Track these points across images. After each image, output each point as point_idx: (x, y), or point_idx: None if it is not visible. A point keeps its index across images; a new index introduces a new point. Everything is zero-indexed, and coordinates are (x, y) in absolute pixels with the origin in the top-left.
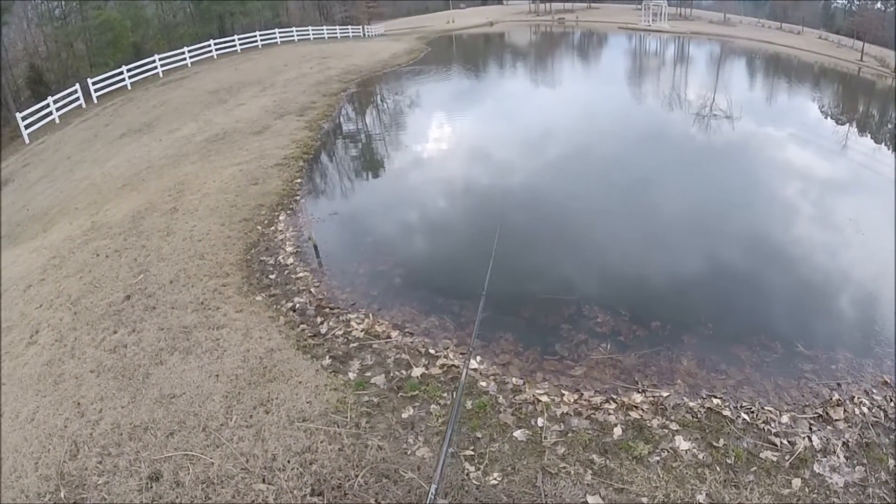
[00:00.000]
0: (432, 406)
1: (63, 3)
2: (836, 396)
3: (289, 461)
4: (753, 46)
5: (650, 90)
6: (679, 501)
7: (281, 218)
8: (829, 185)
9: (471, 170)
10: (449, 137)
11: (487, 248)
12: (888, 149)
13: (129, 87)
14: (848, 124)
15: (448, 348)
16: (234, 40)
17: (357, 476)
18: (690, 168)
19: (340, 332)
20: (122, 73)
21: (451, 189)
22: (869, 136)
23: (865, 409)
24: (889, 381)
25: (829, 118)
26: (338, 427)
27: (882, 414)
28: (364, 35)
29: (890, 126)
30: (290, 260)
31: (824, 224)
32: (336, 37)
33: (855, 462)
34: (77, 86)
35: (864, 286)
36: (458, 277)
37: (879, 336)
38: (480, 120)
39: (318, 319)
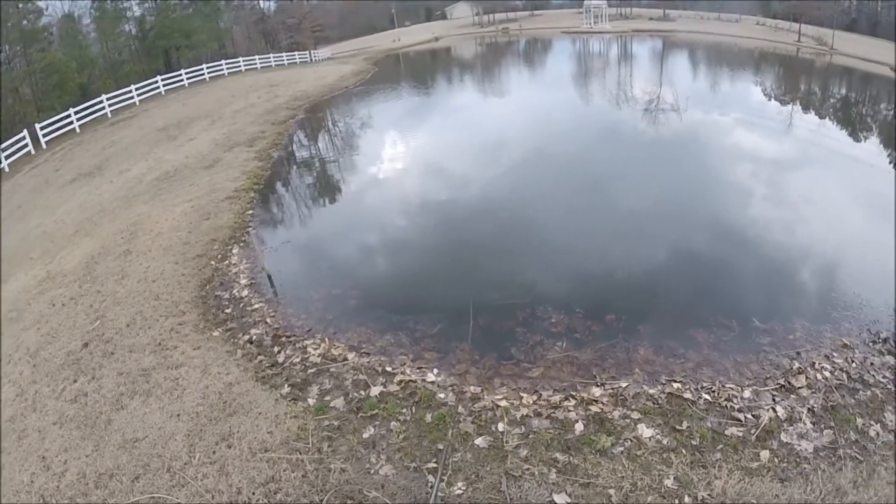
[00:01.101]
0: (392, 423)
1: (7, 47)
2: (796, 365)
3: (254, 493)
4: (694, 39)
5: (598, 90)
6: (647, 488)
7: (234, 251)
8: (778, 164)
9: (423, 186)
10: (401, 156)
11: (440, 263)
12: (832, 123)
13: (78, 130)
14: (791, 104)
15: (405, 364)
16: (181, 75)
17: (322, 501)
18: (642, 162)
19: (298, 360)
20: (69, 116)
21: (404, 208)
22: (813, 112)
23: (827, 374)
24: (849, 343)
25: (772, 100)
26: (300, 454)
27: (845, 376)
28: (311, 60)
29: (832, 101)
30: (245, 292)
31: (776, 202)
32: (283, 64)
33: (822, 426)
34: (25, 132)
35: (817, 257)
36: (412, 294)
37: (836, 301)
38: (432, 135)
39: (276, 349)
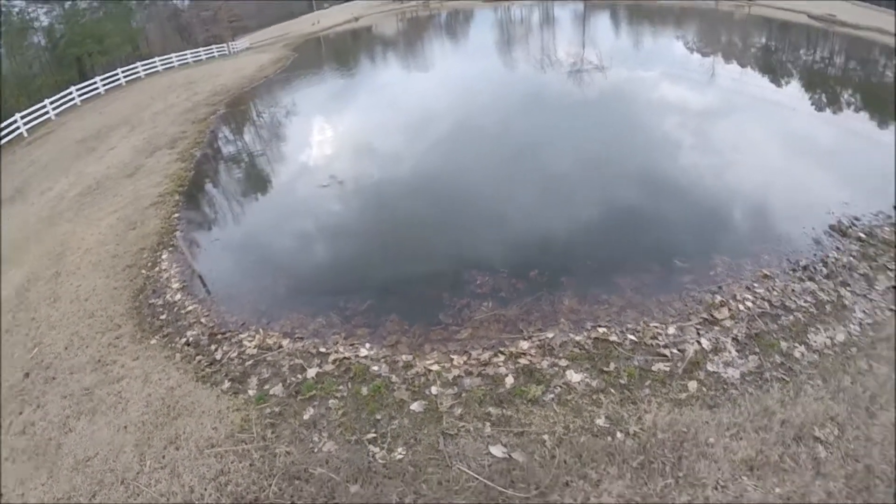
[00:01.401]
0: (331, 401)
1: None
2: (718, 299)
3: (205, 489)
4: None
5: (522, 57)
6: (579, 429)
7: (164, 257)
8: (703, 114)
9: (351, 168)
10: (328, 140)
11: (368, 242)
12: (754, 70)
13: None
14: (713, 55)
15: (338, 343)
16: (95, 82)
17: (270, 485)
18: (569, 123)
19: (235, 354)
20: None
21: (333, 192)
22: (734, 62)
23: (749, 304)
24: (769, 274)
25: (694, 52)
26: (245, 444)
27: (766, 304)
28: (229, 52)
29: (753, 50)
30: (178, 296)
31: (702, 149)
32: (201, 59)
33: (748, 353)
34: None
35: (738, 197)
36: (341, 275)
37: (756, 236)
38: (359, 116)
39: (213, 347)
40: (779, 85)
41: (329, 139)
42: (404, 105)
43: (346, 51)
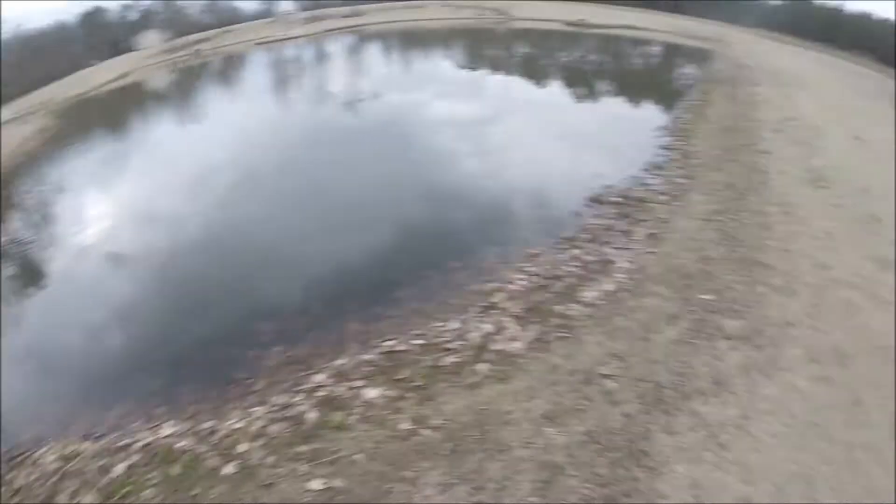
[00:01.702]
0: (145, 492)
1: None
2: (493, 286)
3: None
4: (385, 29)
5: (299, 95)
6: (388, 439)
7: None
8: (477, 123)
9: (128, 239)
10: (106, 214)
11: (149, 317)
12: (519, 77)
13: None
14: (480, 69)
15: (139, 430)
16: None
17: None
18: (351, 152)
19: (37, 475)
20: None
21: (110, 270)
22: (502, 72)
23: (523, 283)
24: (536, 252)
25: (463, 69)
26: None
27: (538, 278)
28: None
29: (516, 59)
30: None
31: (476, 156)
32: None
33: (528, 324)
34: None
35: (507, 191)
36: (125, 358)
37: (522, 223)
38: (137, 181)
39: (11, 475)
40: (542, 86)
41: (106, 213)
42: (183, 161)
43: (116, 111)
